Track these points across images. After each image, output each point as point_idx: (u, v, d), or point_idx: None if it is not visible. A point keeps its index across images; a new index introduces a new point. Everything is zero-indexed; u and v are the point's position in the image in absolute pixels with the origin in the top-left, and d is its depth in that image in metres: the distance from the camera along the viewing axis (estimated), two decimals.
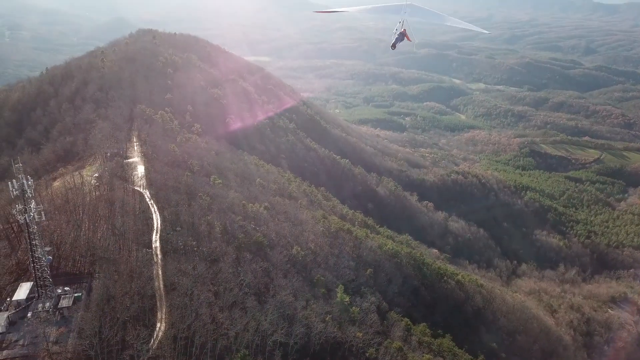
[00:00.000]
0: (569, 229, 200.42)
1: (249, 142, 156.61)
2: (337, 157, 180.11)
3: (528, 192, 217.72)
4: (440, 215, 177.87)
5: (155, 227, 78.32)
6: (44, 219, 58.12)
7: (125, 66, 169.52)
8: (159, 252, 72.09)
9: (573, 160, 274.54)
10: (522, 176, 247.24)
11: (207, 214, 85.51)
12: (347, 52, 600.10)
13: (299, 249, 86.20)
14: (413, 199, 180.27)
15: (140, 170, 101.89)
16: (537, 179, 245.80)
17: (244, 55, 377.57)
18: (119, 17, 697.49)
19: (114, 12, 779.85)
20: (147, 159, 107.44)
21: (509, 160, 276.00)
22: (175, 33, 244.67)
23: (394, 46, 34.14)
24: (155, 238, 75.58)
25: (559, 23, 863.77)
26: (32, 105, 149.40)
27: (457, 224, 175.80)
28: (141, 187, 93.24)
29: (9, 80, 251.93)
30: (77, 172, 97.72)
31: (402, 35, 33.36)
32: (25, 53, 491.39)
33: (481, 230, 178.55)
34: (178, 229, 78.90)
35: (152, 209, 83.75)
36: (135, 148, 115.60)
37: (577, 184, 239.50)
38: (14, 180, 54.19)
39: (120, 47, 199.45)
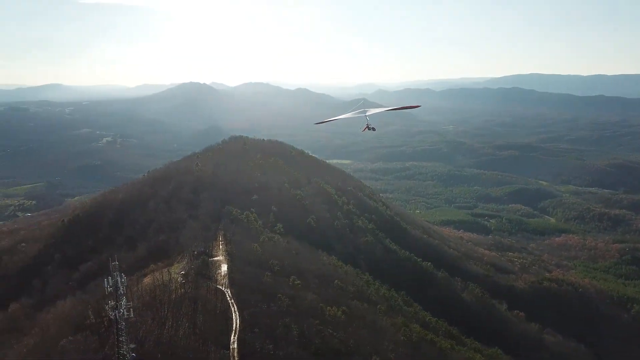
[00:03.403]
0: None
1: (328, 242, 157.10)
2: (419, 260, 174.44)
3: (635, 304, 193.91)
4: (534, 327, 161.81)
5: (234, 328, 78.56)
6: (132, 315, 60.49)
7: (217, 170, 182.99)
8: (236, 355, 71.50)
9: None
10: (626, 286, 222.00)
11: (285, 316, 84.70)
12: (426, 154, 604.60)
13: (378, 359, 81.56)
14: (502, 307, 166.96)
15: (224, 268, 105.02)
16: None
17: (326, 159, 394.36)
18: (214, 125, 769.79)
19: (210, 121, 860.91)
20: (230, 258, 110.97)
21: (608, 267, 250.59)
22: (263, 139, 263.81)
23: (363, 130, 52.98)
24: (234, 339, 75.47)
25: None
26: (133, 205, 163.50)
27: (553, 338, 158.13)
28: (223, 285, 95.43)
29: (116, 183, 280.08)
30: (165, 270, 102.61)
31: (369, 124, 51.83)
32: (132, 158, 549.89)
33: (582, 346, 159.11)
34: (256, 330, 78.47)
35: (232, 309, 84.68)
36: (221, 247, 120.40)
37: None
38: (109, 277, 57.83)
39: (213, 152, 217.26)
